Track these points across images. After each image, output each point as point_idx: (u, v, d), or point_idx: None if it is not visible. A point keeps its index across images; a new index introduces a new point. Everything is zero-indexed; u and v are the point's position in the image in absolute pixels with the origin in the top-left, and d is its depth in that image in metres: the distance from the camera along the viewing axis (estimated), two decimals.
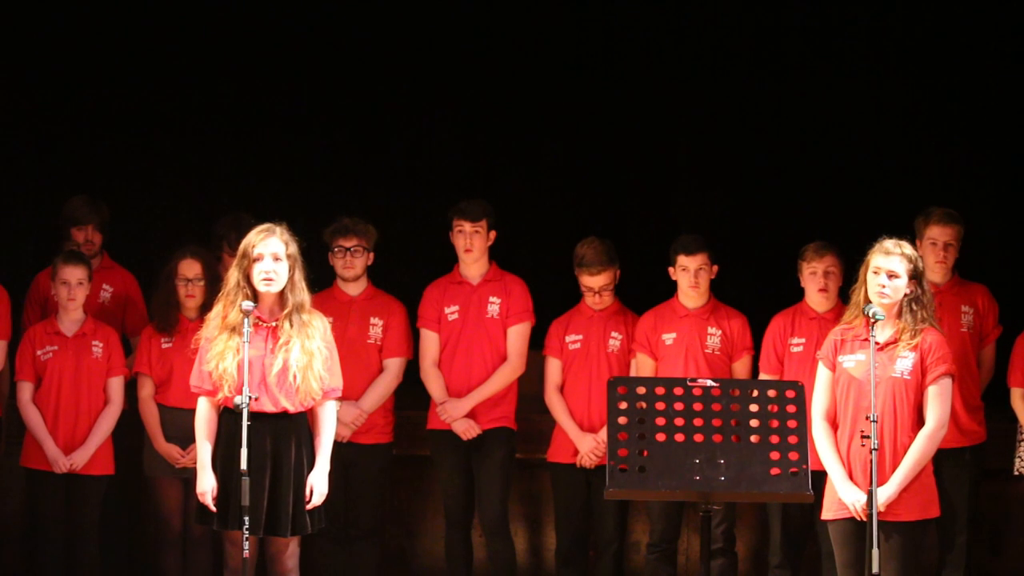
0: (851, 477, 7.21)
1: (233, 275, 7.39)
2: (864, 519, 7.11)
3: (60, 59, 10.13)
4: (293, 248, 7.40)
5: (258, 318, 7.34)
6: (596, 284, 8.54)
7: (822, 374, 7.36)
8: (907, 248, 7.28)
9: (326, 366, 7.40)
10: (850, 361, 7.28)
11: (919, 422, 7.22)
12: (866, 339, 7.21)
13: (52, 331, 8.39)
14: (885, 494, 7.09)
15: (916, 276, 7.25)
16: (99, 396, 8.39)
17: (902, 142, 9.97)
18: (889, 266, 7.21)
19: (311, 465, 7.39)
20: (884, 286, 7.20)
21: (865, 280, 7.26)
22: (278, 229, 7.40)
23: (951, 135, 9.94)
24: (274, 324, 7.36)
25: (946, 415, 7.23)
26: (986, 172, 9.90)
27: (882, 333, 7.24)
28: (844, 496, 7.20)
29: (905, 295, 7.24)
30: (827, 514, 7.33)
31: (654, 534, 8.49)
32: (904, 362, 7.22)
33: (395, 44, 10.27)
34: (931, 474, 7.28)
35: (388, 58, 10.27)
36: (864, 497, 7.12)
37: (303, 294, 7.41)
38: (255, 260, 7.34)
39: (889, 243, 7.27)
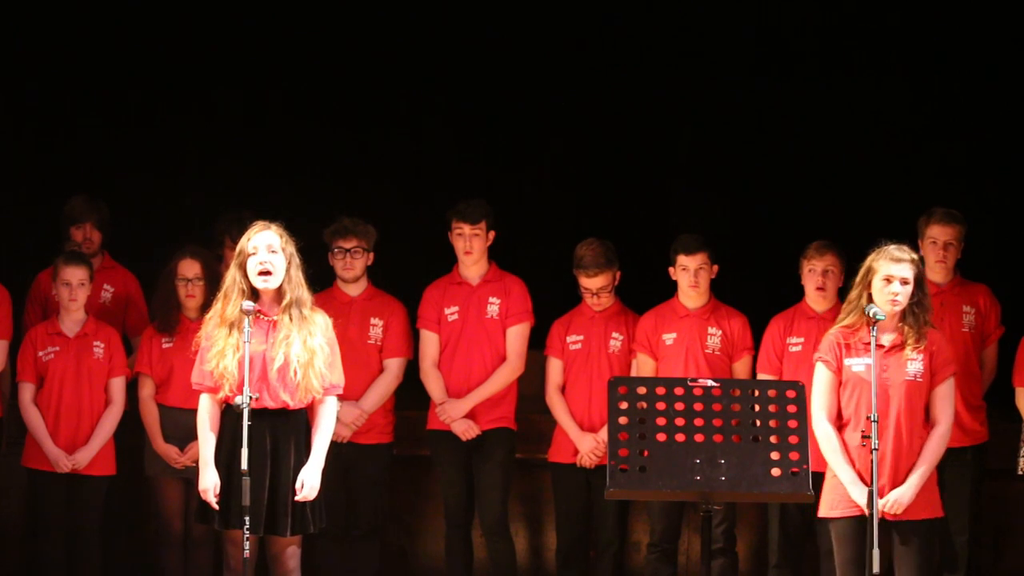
0: (861, 479, 7.22)
1: (231, 273, 7.39)
2: (890, 517, 7.14)
3: (60, 59, 10.13)
4: (289, 244, 7.39)
5: (259, 311, 7.34)
6: (594, 286, 8.53)
7: (823, 376, 7.35)
8: (912, 252, 7.30)
9: (327, 363, 7.39)
10: (859, 365, 7.26)
11: (925, 423, 7.26)
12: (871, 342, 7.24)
13: (53, 332, 8.39)
14: (907, 495, 7.14)
15: (918, 279, 7.27)
16: (100, 396, 8.38)
17: (902, 142, 9.97)
18: (901, 273, 7.21)
19: None
20: (897, 293, 7.20)
21: (868, 284, 7.25)
22: (273, 226, 7.41)
23: (951, 135, 9.94)
24: (274, 319, 7.35)
25: (953, 414, 7.33)
26: (986, 172, 9.90)
27: (886, 337, 7.25)
28: (858, 498, 7.18)
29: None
30: (830, 512, 7.33)
31: (654, 534, 8.49)
32: (915, 364, 7.25)
33: (395, 43, 10.27)
34: (935, 473, 7.32)
35: (388, 57, 10.27)
36: (884, 498, 7.14)
37: (301, 290, 7.39)
38: (251, 255, 7.34)
39: (895, 250, 7.26)
